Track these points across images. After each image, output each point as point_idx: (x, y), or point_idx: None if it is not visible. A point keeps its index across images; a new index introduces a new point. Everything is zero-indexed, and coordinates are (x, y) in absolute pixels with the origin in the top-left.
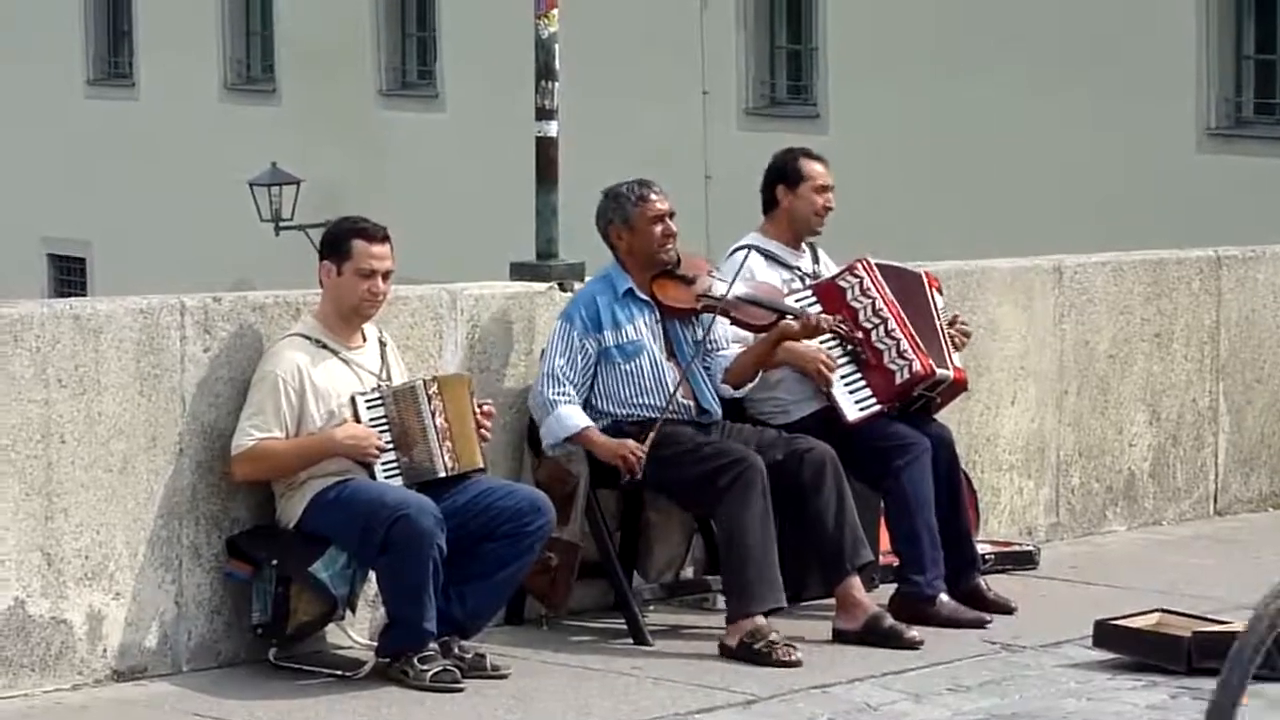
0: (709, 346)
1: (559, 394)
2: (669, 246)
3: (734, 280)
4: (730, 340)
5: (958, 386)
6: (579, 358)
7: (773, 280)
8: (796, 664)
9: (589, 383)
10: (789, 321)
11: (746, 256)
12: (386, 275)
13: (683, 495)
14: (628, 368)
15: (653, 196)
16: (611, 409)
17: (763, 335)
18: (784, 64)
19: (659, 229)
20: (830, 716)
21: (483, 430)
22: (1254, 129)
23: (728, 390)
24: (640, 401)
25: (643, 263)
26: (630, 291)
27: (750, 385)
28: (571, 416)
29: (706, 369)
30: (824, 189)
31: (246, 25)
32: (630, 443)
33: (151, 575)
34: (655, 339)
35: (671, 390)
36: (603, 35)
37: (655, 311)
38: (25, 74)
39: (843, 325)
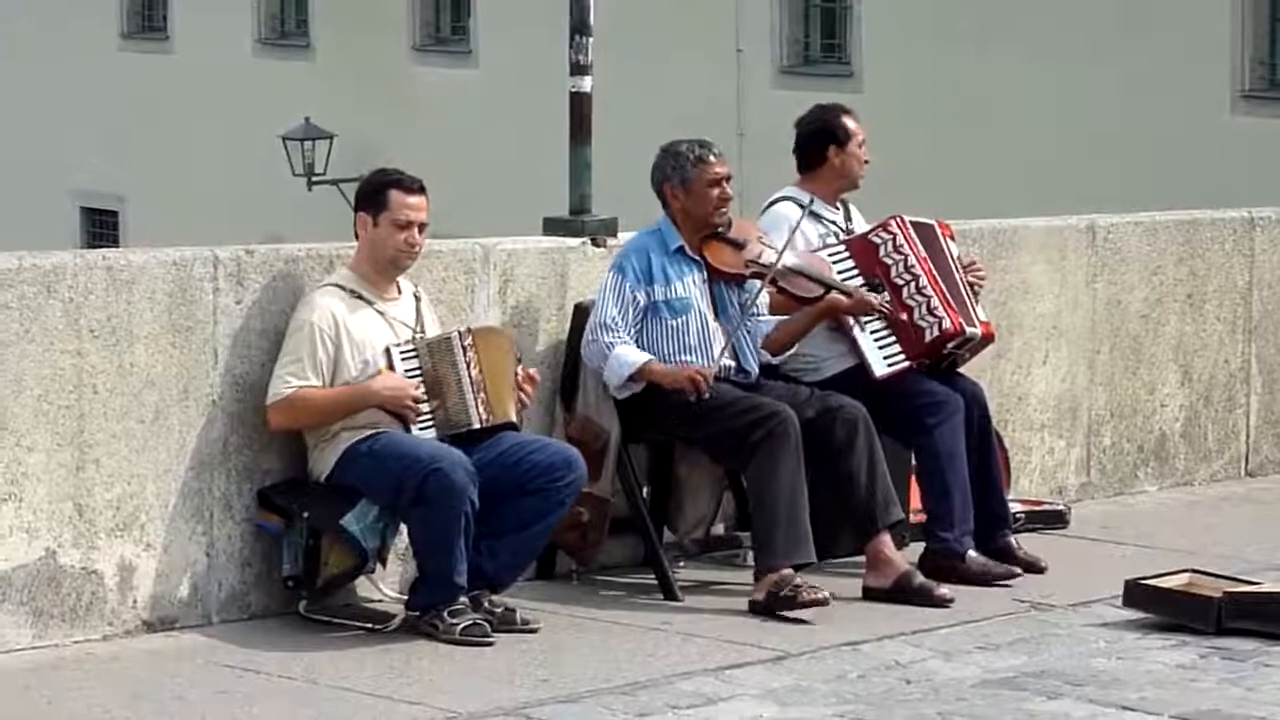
0: (753, 311)
1: (614, 338)
2: (723, 210)
3: (784, 247)
4: (767, 306)
5: (985, 340)
6: (630, 309)
7: (810, 234)
8: (824, 602)
9: (638, 333)
10: (837, 296)
11: (800, 219)
12: (422, 227)
13: (716, 448)
14: (674, 323)
15: (711, 159)
16: None
17: (807, 307)
18: (818, 22)
19: (715, 192)
20: (860, 674)
21: (523, 394)
22: None
23: (766, 356)
24: (683, 359)
25: (695, 224)
26: (680, 249)
27: (789, 353)
28: (629, 354)
29: (749, 332)
30: (863, 144)
31: None
32: (694, 366)
33: (182, 527)
34: (703, 298)
35: (718, 355)
36: None
37: (704, 271)
38: (59, 27)
39: (888, 305)
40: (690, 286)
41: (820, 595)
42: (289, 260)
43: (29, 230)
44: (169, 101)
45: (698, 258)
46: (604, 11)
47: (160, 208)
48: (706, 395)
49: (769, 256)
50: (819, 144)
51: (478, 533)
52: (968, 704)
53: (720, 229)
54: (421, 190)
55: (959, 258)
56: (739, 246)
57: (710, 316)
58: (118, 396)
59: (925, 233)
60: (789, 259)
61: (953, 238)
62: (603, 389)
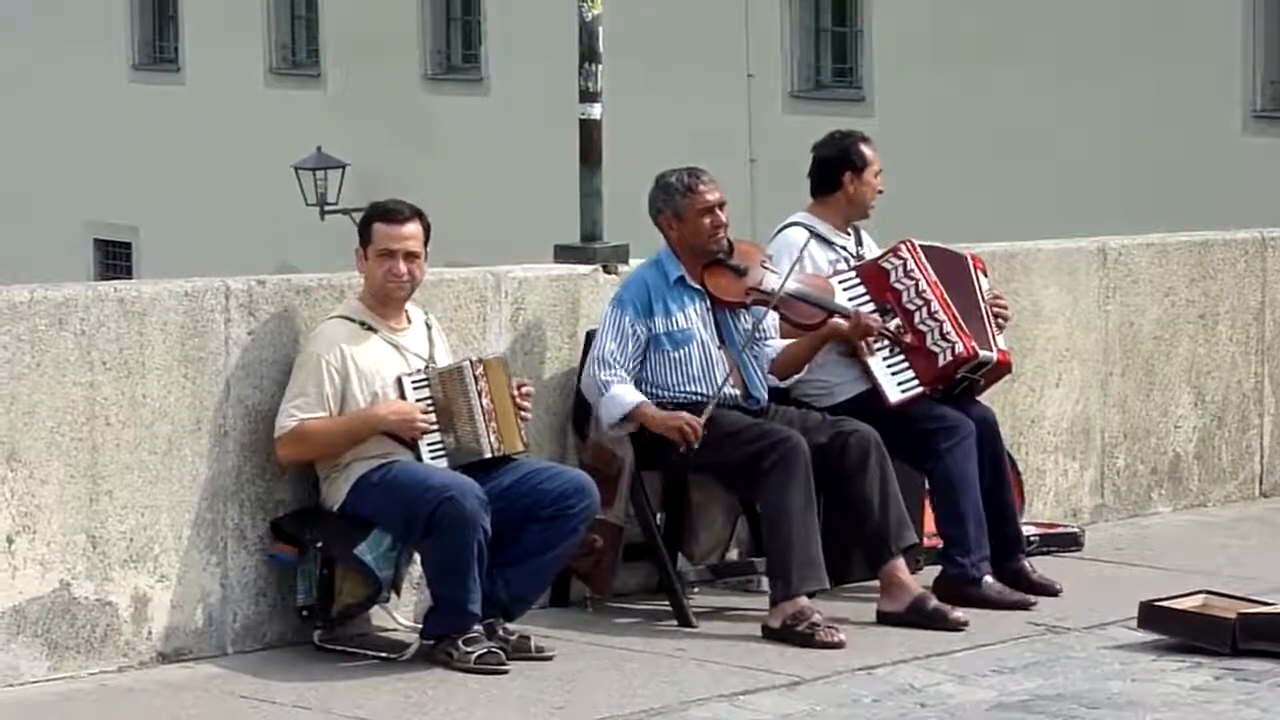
0: (759, 335)
1: (611, 375)
2: (719, 237)
3: (787, 276)
4: (776, 329)
5: (1001, 368)
6: (629, 343)
7: (820, 260)
8: (839, 645)
9: (638, 366)
10: (838, 321)
11: (806, 244)
12: (410, 256)
13: (726, 476)
14: (676, 355)
15: (702, 187)
16: (657, 393)
17: (809, 332)
18: (829, 46)
19: (708, 220)
20: (874, 698)
21: (522, 411)
22: None
23: (773, 380)
24: (687, 389)
25: (693, 252)
26: (681, 279)
27: (795, 378)
28: (625, 395)
29: (755, 357)
30: (878, 173)
31: (291, 10)
32: (685, 414)
33: (196, 558)
34: (706, 327)
35: (720, 383)
36: (647, 18)
37: (706, 299)
38: (71, 59)
39: (889, 328)
40: (692, 317)
41: (836, 639)
42: (301, 291)
43: (42, 262)
44: (181, 133)
45: (699, 286)
46: (614, 37)
47: (173, 239)
48: (695, 446)
49: (770, 282)
50: (835, 169)
51: (491, 560)
52: None
53: (720, 255)
54: (409, 219)
55: (988, 291)
56: (740, 273)
57: (714, 345)
58: (130, 428)
59: (953, 262)
60: (791, 285)
61: (985, 272)
62: None
